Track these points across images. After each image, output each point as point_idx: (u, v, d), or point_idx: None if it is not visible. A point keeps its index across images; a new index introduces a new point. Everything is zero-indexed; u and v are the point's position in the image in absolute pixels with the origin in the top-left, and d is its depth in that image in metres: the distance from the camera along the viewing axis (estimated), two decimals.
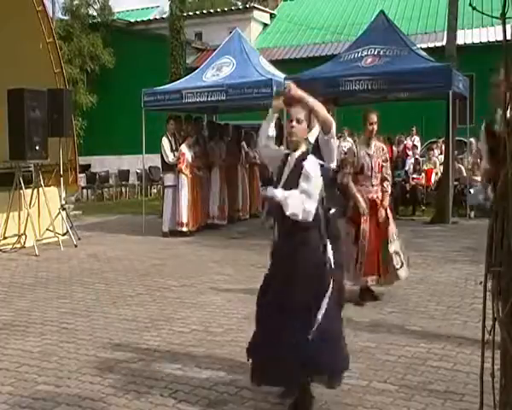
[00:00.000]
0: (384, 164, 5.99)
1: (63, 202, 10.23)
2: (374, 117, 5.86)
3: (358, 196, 5.83)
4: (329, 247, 3.56)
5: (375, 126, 5.87)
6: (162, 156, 10.85)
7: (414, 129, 15.71)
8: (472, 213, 11.60)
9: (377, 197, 5.93)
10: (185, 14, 21.35)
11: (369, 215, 5.86)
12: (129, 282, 7.17)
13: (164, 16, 24.40)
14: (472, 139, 12.54)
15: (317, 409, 3.57)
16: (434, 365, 4.23)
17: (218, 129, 12.14)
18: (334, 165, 3.93)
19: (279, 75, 10.95)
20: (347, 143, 15.81)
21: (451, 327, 5.06)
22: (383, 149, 6.03)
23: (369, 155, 5.90)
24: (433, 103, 13.22)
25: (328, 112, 3.85)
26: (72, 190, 11.93)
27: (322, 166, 3.55)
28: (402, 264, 5.91)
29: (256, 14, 24.10)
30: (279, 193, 3.40)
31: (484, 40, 18.35)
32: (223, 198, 11.64)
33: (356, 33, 13.92)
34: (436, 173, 13.44)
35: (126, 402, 3.72)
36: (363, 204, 5.82)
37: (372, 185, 5.93)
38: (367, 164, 5.88)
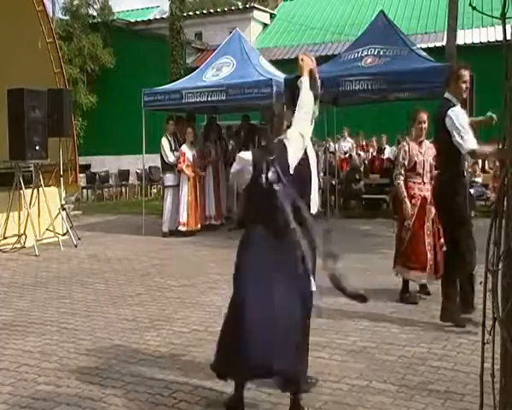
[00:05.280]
0: (432, 162, 6.11)
1: (63, 202, 10.24)
2: (424, 116, 6.02)
3: (407, 200, 5.99)
4: None
5: (426, 125, 6.03)
6: (162, 156, 10.87)
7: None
8: (472, 213, 11.59)
9: (428, 195, 6.02)
10: (185, 14, 21.34)
11: (419, 212, 6.00)
12: (129, 282, 7.17)
13: (164, 16, 24.36)
14: None
15: (317, 409, 3.57)
16: (434, 365, 4.23)
17: (216, 129, 12.11)
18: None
19: (279, 75, 10.94)
20: (347, 144, 15.88)
21: (451, 327, 5.06)
22: (432, 149, 6.10)
23: (421, 153, 6.05)
24: (433, 103, 13.22)
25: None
26: (72, 190, 11.93)
27: None
28: None
29: (256, 14, 24.07)
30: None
31: (484, 40, 18.32)
32: (220, 198, 11.62)
33: (356, 33, 13.90)
34: None
35: (126, 402, 3.72)
36: (408, 207, 5.98)
37: (424, 183, 6.07)
38: (419, 162, 6.03)
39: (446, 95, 5.27)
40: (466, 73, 5.17)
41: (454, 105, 5.08)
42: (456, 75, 5.19)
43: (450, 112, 4.99)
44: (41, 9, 10.82)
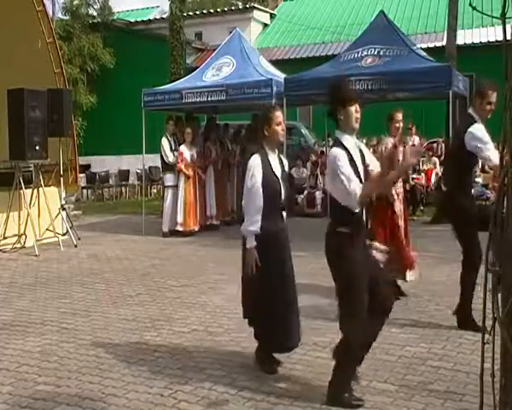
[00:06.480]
0: None
1: (63, 202, 10.24)
2: (399, 115, 6.18)
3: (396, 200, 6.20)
4: None
5: (401, 124, 6.20)
6: (162, 156, 10.87)
7: (413, 129, 15.70)
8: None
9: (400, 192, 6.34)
10: (185, 14, 21.34)
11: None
12: (129, 282, 7.17)
13: (164, 16, 24.36)
14: None
15: (317, 409, 3.57)
16: (434, 365, 4.23)
17: (215, 129, 12.11)
18: None
19: (279, 75, 10.95)
20: None
21: (451, 327, 5.05)
22: (405, 146, 6.38)
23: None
24: (433, 103, 13.22)
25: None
26: (72, 190, 11.93)
27: None
28: None
29: (256, 14, 24.09)
30: None
31: (484, 40, 18.34)
32: (222, 198, 11.61)
33: (356, 33, 13.90)
34: (436, 174, 13.44)
35: (126, 402, 3.72)
36: (399, 207, 6.22)
37: (397, 181, 6.26)
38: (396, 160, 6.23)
39: (470, 110, 5.02)
40: (493, 95, 4.82)
41: (475, 122, 4.86)
42: (481, 94, 4.87)
43: (471, 129, 4.79)
44: (41, 9, 10.81)
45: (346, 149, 3.54)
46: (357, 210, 3.54)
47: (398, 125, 6.16)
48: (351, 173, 3.47)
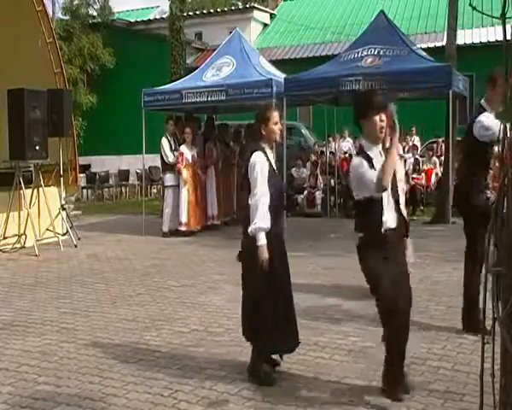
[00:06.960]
0: None
1: (63, 202, 10.24)
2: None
3: None
4: None
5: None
6: (162, 156, 10.87)
7: (414, 129, 15.70)
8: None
9: None
10: (185, 14, 21.35)
11: None
12: (129, 282, 7.17)
13: (164, 16, 24.36)
14: None
15: (317, 409, 3.57)
16: (434, 365, 4.23)
17: (216, 129, 12.10)
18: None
19: (279, 75, 10.94)
20: (347, 144, 15.90)
21: (451, 327, 5.05)
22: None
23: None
24: (433, 103, 13.23)
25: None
26: (72, 190, 11.93)
27: None
28: None
29: (256, 14, 24.10)
30: None
31: (484, 40, 18.35)
32: (222, 198, 11.61)
33: (356, 33, 13.90)
34: (436, 174, 13.44)
35: (126, 402, 3.72)
36: None
37: None
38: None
39: (482, 102, 4.88)
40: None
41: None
42: (493, 83, 4.71)
43: (478, 117, 4.68)
44: (41, 9, 10.80)
45: (368, 158, 3.56)
46: (375, 214, 3.55)
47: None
48: (370, 171, 3.51)
